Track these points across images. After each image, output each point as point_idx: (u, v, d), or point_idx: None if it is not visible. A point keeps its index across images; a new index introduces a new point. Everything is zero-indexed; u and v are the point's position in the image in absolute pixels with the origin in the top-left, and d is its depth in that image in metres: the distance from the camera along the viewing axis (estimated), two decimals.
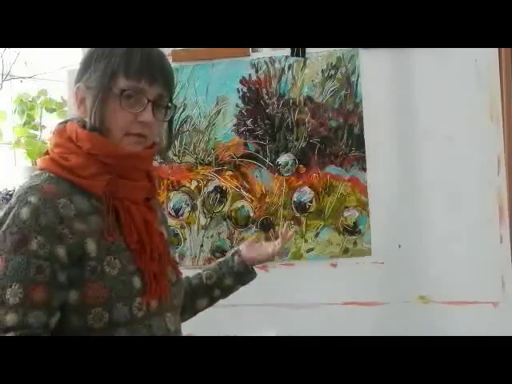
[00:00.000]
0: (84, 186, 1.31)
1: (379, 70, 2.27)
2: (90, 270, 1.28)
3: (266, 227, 2.32)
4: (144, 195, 1.40)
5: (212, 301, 1.67)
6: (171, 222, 2.28)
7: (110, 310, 1.29)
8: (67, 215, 1.27)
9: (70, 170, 1.32)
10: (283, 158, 2.32)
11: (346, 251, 2.30)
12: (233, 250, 1.72)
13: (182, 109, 2.34)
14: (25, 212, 1.25)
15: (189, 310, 1.63)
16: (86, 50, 1.36)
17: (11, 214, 1.26)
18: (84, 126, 1.35)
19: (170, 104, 1.39)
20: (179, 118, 2.34)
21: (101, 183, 1.32)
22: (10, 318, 1.21)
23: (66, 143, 1.35)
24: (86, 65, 1.34)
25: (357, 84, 2.28)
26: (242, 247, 1.71)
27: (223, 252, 2.33)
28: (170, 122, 1.44)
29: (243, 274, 1.68)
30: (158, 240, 1.39)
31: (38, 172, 1.35)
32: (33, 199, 1.26)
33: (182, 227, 2.34)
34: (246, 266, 1.68)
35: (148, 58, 1.33)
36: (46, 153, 1.38)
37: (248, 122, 2.32)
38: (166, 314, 1.38)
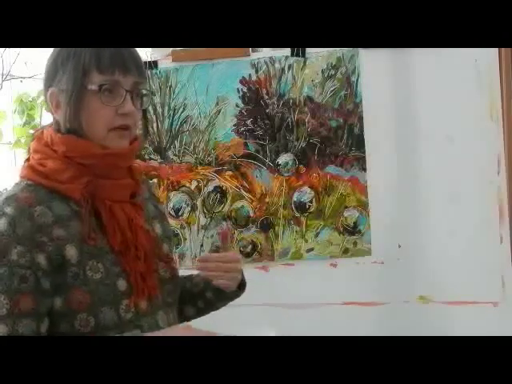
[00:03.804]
0: (61, 191, 1.30)
1: (379, 70, 2.28)
2: (72, 276, 1.27)
3: (266, 227, 2.32)
4: (128, 193, 1.38)
5: (198, 312, 1.59)
6: (171, 222, 2.27)
7: (96, 315, 1.28)
8: (45, 223, 1.26)
9: (47, 176, 1.31)
10: (283, 158, 2.32)
11: (345, 251, 2.30)
12: None
13: (182, 109, 2.34)
14: (2, 223, 1.24)
15: (178, 315, 1.55)
16: (50, 54, 1.34)
17: None
18: (59, 130, 1.33)
19: (145, 91, 1.37)
20: (179, 118, 2.34)
21: (78, 186, 1.30)
22: (0, 330, 1.21)
23: (43, 148, 1.34)
24: (53, 69, 1.33)
25: (357, 84, 2.28)
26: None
27: None
28: (144, 111, 1.41)
29: (220, 292, 1.55)
30: (143, 238, 1.36)
31: (18, 180, 1.34)
32: (8, 210, 1.25)
33: (182, 227, 2.34)
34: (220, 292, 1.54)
35: (117, 49, 1.31)
36: (28, 159, 1.37)
37: (248, 122, 2.32)
38: (157, 312, 1.37)
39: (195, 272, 1.65)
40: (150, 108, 2.32)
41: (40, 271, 1.25)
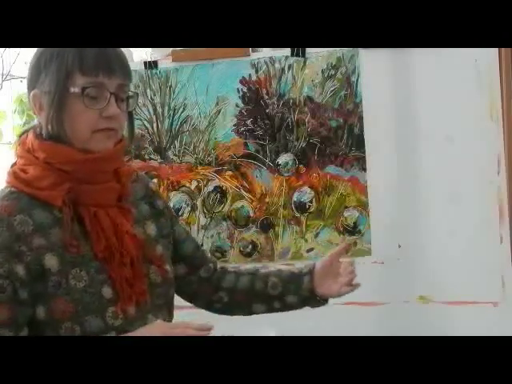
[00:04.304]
0: (43, 198, 1.27)
1: (379, 70, 2.27)
2: (53, 285, 1.25)
3: (266, 227, 2.32)
4: (114, 197, 1.34)
5: (271, 310, 1.58)
6: None
7: (81, 324, 1.26)
8: (24, 232, 1.24)
9: (29, 183, 1.28)
10: (283, 158, 2.32)
11: (346, 251, 2.30)
12: (309, 266, 1.57)
13: (182, 109, 2.34)
14: None
15: (243, 310, 1.59)
16: (33, 55, 1.33)
17: None
18: (41, 134, 1.31)
19: (131, 93, 1.34)
20: (179, 118, 2.34)
21: (60, 193, 1.27)
22: None
23: (25, 154, 1.32)
24: (36, 70, 1.30)
25: (357, 84, 2.28)
26: (318, 268, 1.55)
27: (223, 252, 2.33)
28: (130, 113, 1.38)
29: (310, 299, 1.56)
30: (129, 244, 1.33)
31: (3, 187, 1.32)
32: None
33: None
34: (314, 294, 1.54)
35: (101, 50, 1.28)
36: (14, 164, 1.35)
37: (248, 122, 2.32)
38: (146, 316, 1.34)
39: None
40: (150, 108, 2.33)
41: (18, 281, 1.23)
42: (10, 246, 1.23)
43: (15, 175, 1.31)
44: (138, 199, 1.44)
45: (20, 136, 1.37)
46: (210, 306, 1.61)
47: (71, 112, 1.28)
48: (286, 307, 1.58)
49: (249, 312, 1.60)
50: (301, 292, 1.55)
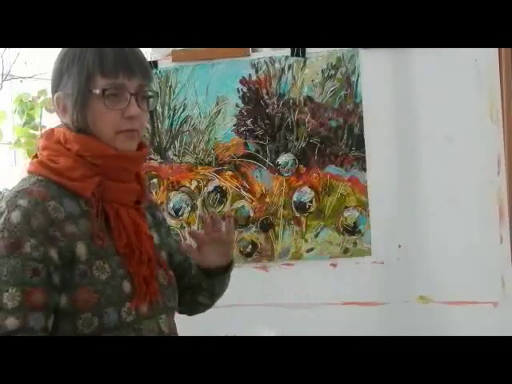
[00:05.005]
0: (73, 189, 1.30)
1: (379, 70, 2.27)
2: (80, 274, 1.27)
3: (266, 227, 2.32)
4: (134, 198, 1.39)
5: (211, 299, 1.59)
6: (171, 222, 2.28)
7: (100, 316, 1.27)
8: (57, 218, 1.26)
9: (59, 173, 1.31)
10: (283, 158, 2.32)
11: (345, 251, 2.30)
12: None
13: (182, 109, 2.34)
14: (15, 215, 1.24)
15: (196, 307, 1.59)
16: (56, 57, 1.35)
17: (1, 219, 1.25)
18: (72, 130, 1.34)
19: (151, 93, 1.37)
20: (179, 118, 2.34)
21: (90, 185, 1.30)
22: (11, 323, 1.20)
23: (54, 146, 1.34)
24: (59, 73, 1.33)
25: (357, 84, 2.28)
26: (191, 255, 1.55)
27: None
28: (151, 112, 1.41)
29: (211, 278, 1.55)
30: (147, 243, 1.37)
31: (26, 176, 1.34)
32: (22, 202, 1.25)
33: (182, 227, 2.34)
34: (207, 273, 1.54)
35: (121, 52, 1.31)
36: (35, 156, 1.37)
37: (248, 122, 2.32)
38: (159, 316, 1.36)
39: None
40: None
41: (52, 266, 1.25)
42: (45, 229, 1.24)
43: (43, 164, 1.33)
44: (145, 208, 1.47)
45: (44, 132, 1.40)
46: (180, 311, 1.61)
47: (94, 113, 1.31)
48: (212, 293, 1.56)
49: (201, 306, 1.59)
50: (201, 278, 1.54)
